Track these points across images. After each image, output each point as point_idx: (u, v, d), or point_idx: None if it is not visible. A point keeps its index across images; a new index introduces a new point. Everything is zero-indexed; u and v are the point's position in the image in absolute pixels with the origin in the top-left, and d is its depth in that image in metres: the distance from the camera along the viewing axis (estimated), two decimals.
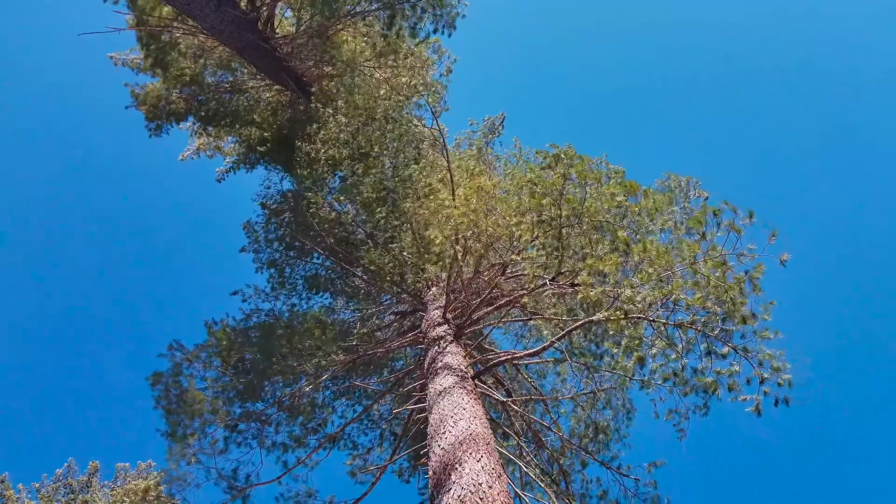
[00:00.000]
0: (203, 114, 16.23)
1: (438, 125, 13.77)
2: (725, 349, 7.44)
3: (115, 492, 20.04)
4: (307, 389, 12.29)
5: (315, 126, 13.24)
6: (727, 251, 7.24)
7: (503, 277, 10.75)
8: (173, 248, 42.76)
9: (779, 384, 7.10)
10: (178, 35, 14.89)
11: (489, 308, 11.01)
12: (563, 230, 8.44)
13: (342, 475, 12.96)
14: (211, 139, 17.19)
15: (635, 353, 7.95)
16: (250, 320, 14.33)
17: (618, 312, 7.38)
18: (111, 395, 38.00)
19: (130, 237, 43.06)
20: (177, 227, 43.66)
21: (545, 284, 8.94)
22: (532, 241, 8.98)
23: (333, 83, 14.44)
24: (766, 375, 7.13)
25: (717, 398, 7.91)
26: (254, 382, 12.49)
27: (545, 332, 12.58)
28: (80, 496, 19.13)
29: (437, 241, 9.56)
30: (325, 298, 15.51)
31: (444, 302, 11.09)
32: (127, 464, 21.33)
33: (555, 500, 9.42)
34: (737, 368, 7.42)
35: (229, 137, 16.83)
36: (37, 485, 19.43)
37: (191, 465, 11.36)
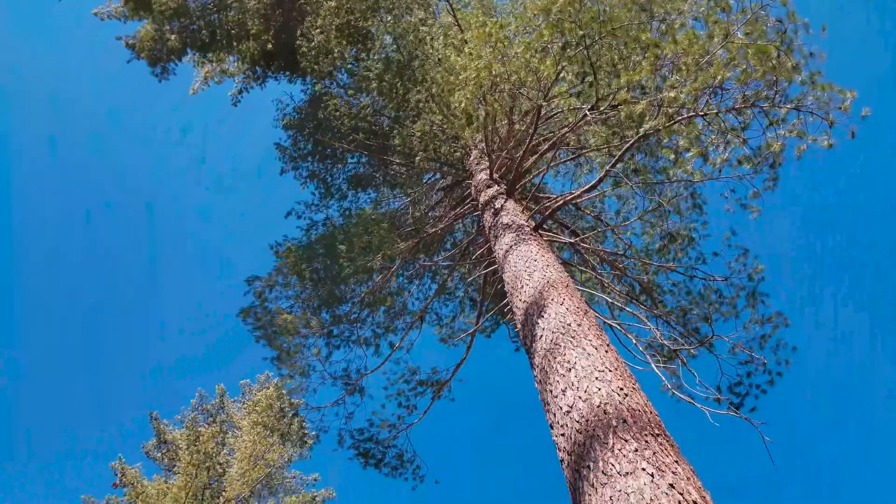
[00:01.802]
0: (199, 42, 15.81)
1: None
2: (783, 111, 7.03)
3: (245, 405, 21.99)
4: (381, 281, 12.62)
5: (310, 19, 12.64)
6: (754, 9, 6.65)
7: (540, 122, 10.35)
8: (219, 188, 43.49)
9: (842, 108, 6.69)
10: None
11: (534, 157, 10.72)
12: (590, 52, 7.90)
13: (437, 349, 13.63)
14: (214, 65, 16.80)
15: (694, 151, 7.63)
16: (310, 234, 14.64)
17: (663, 118, 7.01)
18: (216, 327, 40.41)
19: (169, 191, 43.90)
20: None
21: (585, 116, 8.55)
22: (559, 74, 8.48)
23: None
24: (832, 119, 6.73)
25: (782, 164, 7.62)
26: (333, 289, 12.93)
27: (597, 164, 12.27)
28: (218, 416, 21.00)
29: (463, 105, 9.20)
30: (371, 193, 15.58)
31: (487, 164, 10.86)
32: (248, 380, 23.23)
33: (645, 319, 9.55)
34: (798, 122, 7.04)
35: (230, 58, 16.40)
36: (179, 416, 21.45)
37: (302, 375, 12.13)
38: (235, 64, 16.43)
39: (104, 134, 43.64)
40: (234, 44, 15.00)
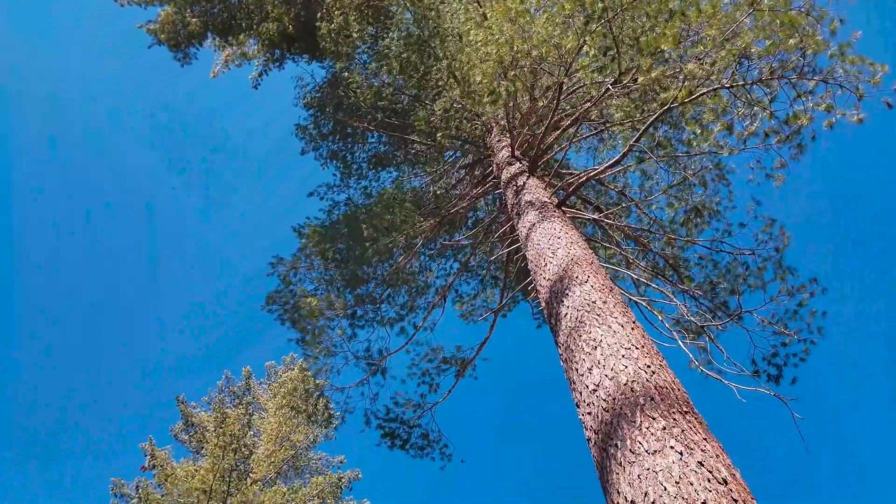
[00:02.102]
0: (219, 26, 15.84)
1: None
2: (811, 83, 6.83)
3: (272, 387, 22.33)
4: (403, 261, 12.65)
5: (328, 1, 12.57)
6: None
7: (562, 97, 10.20)
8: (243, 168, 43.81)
9: (872, 81, 6.48)
10: None
11: (556, 133, 10.60)
12: (612, 25, 7.73)
13: (460, 328, 13.67)
14: (234, 48, 16.84)
15: (719, 124, 7.47)
16: (333, 214, 14.71)
17: (685, 90, 6.86)
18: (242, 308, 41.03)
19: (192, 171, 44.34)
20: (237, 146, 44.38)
21: (608, 90, 8.41)
22: (580, 47, 8.32)
23: None
24: (862, 91, 6.53)
25: (812, 139, 7.44)
26: (356, 269, 13.00)
27: (620, 139, 12.09)
28: (244, 398, 21.33)
29: (484, 81, 9.09)
30: (392, 173, 15.57)
31: (508, 141, 10.76)
32: (273, 361, 23.58)
33: (669, 294, 9.46)
34: (827, 94, 6.84)
35: (250, 41, 16.41)
36: (206, 398, 21.86)
37: (327, 356, 12.26)
38: (255, 47, 16.44)
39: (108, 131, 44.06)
40: (255, 26, 14.99)
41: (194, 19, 15.85)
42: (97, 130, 42.39)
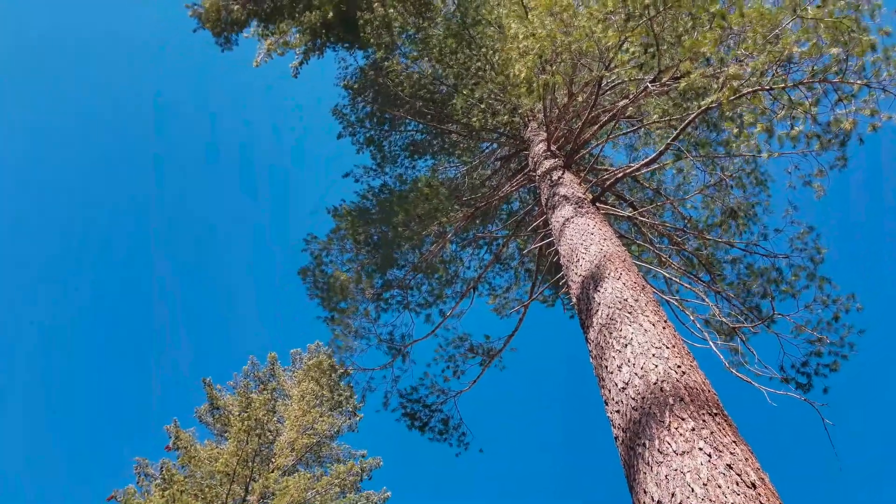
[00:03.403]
0: (262, 13, 16.04)
1: None
2: (856, 87, 6.74)
3: (296, 374, 22.69)
4: (435, 249, 12.78)
5: None
6: None
7: (601, 93, 10.19)
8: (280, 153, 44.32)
9: None
10: None
11: (593, 128, 10.59)
12: (654, 23, 7.70)
13: (489, 320, 13.77)
14: (276, 37, 17.03)
15: (759, 126, 7.41)
16: (367, 199, 14.87)
17: (728, 91, 6.82)
18: (266, 293, 41.70)
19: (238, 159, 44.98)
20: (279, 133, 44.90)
21: (647, 87, 8.39)
22: (621, 44, 8.31)
23: None
24: None
25: (860, 142, 7.34)
26: (386, 254, 13.18)
27: (657, 136, 12.02)
28: (270, 384, 21.70)
29: (523, 75, 9.12)
30: (428, 161, 15.66)
31: (545, 135, 10.77)
32: (298, 349, 23.94)
33: (702, 294, 9.45)
34: (871, 98, 6.74)
35: (293, 29, 16.60)
36: (231, 382, 22.31)
37: (355, 337, 12.50)
38: (297, 35, 16.61)
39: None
40: (297, 15, 15.14)
41: (238, 6, 16.09)
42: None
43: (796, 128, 7.46)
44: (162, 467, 18.20)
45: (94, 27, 42.61)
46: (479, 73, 11.55)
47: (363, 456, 21.61)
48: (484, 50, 11.17)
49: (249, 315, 43.12)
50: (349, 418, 21.60)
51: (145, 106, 44.23)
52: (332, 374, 20.14)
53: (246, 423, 18.07)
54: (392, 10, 12.02)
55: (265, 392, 20.01)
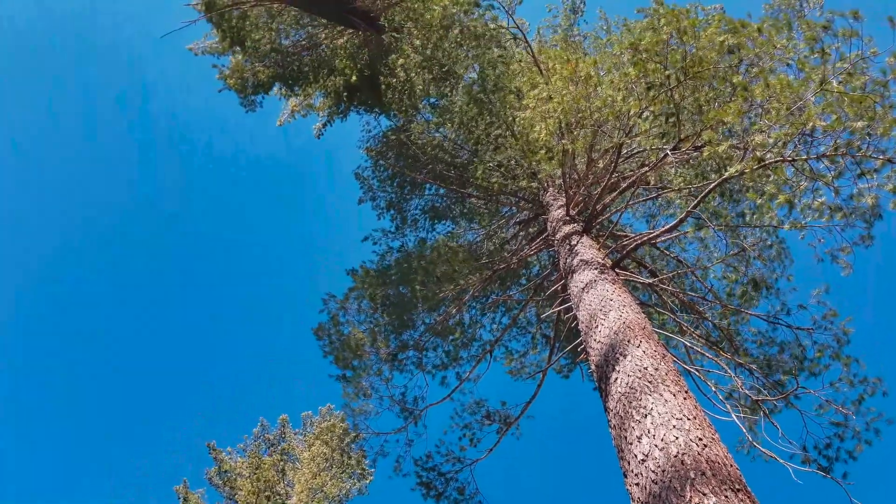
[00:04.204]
0: (288, 77, 16.59)
1: (515, 21, 13.16)
2: (878, 162, 6.72)
3: (307, 437, 22.32)
4: (452, 312, 12.73)
5: (393, 56, 13.12)
6: (853, 59, 6.43)
7: (620, 160, 10.30)
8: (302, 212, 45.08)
9: None
10: (246, 8, 15.13)
11: (613, 194, 10.65)
12: (675, 93, 7.83)
13: (506, 385, 13.54)
14: (301, 99, 17.60)
15: (781, 197, 7.39)
16: (385, 260, 14.97)
17: (751, 162, 6.83)
18: (282, 355, 41.60)
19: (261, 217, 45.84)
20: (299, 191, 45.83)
21: (667, 156, 8.46)
22: (641, 112, 8.44)
23: (400, 10, 14.14)
24: None
25: (881, 218, 7.27)
26: (403, 315, 13.15)
27: (677, 204, 12.04)
28: (279, 446, 21.37)
29: (542, 140, 9.27)
30: (447, 225, 15.83)
31: (564, 200, 10.85)
32: (310, 412, 23.62)
33: (724, 365, 9.22)
34: (893, 174, 6.70)
35: (317, 93, 17.14)
36: (241, 445, 21.98)
37: (366, 397, 12.34)
38: (321, 99, 17.16)
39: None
40: (321, 79, 15.68)
41: (263, 69, 16.67)
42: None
43: (818, 200, 7.44)
44: None
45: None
46: (499, 139, 11.77)
47: None
48: (504, 116, 11.41)
49: (262, 376, 42.85)
50: (358, 481, 21.08)
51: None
52: (345, 438, 19.82)
53: (255, 484, 17.75)
54: (414, 76, 12.39)
55: (275, 454, 19.71)
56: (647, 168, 9.53)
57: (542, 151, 9.54)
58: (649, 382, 5.12)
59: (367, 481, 21.35)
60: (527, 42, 12.36)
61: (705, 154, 7.54)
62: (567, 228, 10.06)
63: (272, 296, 46.06)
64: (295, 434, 22.80)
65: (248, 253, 46.01)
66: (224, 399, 41.55)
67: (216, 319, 44.12)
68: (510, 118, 11.23)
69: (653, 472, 4.06)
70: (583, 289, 7.86)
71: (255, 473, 18.25)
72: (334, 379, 12.67)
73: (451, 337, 13.31)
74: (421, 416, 12.42)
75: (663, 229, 9.24)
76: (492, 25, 13.36)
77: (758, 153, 6.79)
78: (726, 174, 7.26)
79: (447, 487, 12.08)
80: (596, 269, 8.15)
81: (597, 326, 6.78)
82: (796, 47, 7.33)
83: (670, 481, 3.83)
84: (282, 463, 19.81)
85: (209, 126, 45.08)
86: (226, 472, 20.56)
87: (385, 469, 12.66)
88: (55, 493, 34.85)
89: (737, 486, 3.66)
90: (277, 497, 18.86)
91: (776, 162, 7.02)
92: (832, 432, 9.17)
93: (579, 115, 8.84)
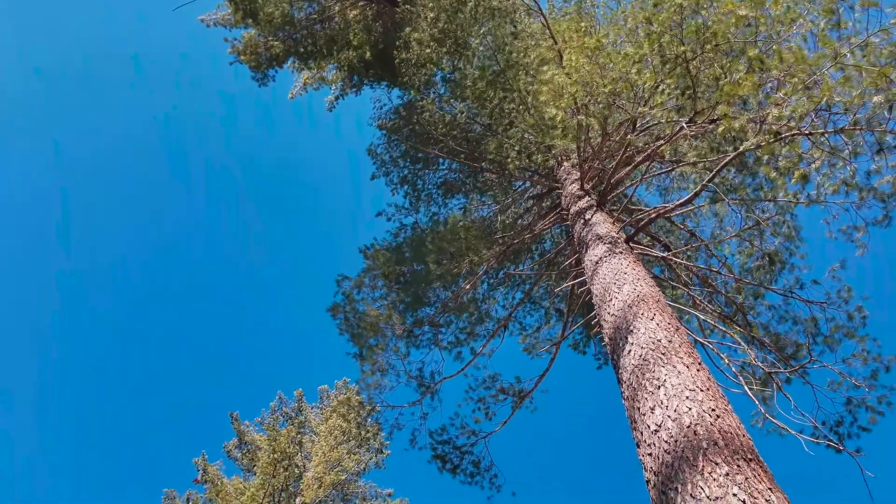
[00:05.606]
0: (301, 50, 16.52)
1: None
2: None
3: (324, 410, 22.67)
4: (467, 287, 12.79)
5: (408, 30, 13.02)
6: (871, 32, 6.30)
7: (634, 133, 10.22)
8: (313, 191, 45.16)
9: None
10: None
11: (627, 168, 10.58)
12: (690, 66, 7.74)
13: (518, 358, 13.65)
14: (313, 72, 17.55)
15: (796, 172, 7.33)
16: (399, 237, 15.02)
17: (767, 136, 6.77)
18: (298, 332, 42.01)
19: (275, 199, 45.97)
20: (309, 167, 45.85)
21: (682, 129, 8.39)
22: (657, 85, 8.35)
23: None
24: None
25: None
26: (417, 292, 13.24)
27: (692, 178, 11.96)
28: (296, 419, 21.73)
29: (558, 117, 9.21)
30: (461, 200, 15.81)
31: (578, 174, 10.81)
32: (326, 385, 23.95)
33: (738, 338, 9.23)
34: None
35: (330, 66, 17.06)
36: (259, 419, 22.38)
37: (382, 373, 12.49)
38: (334, 72, 17.08)
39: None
40: (335, 53, 15.60)
41: (277, 43, 16.59)
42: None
43: (833, 177, 7.37)
44: (189, 499, 18.24)
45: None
46: (513, 113, 11.70)
47: (390, 495, 21.36)
48: (518, 90, 11.32)
49: (280, 351, 43.33)
50: (375, 455, 21.42)
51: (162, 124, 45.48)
52: (361, 411, 20.10)
53: (273, 455, 18.07)
54: (428, 50, 12.30)
55: (292, 427, 20.05)
56: (662, 141, 9.45)
57: (558, 128, 9.49)
58: (662, 354, 5.17)
59: (385, 456, 21.72)
60: (541, 13, 12.18)
61: (720, 129, 7.48)
62: (581, 203, 10.04)
63: (285, 275, 46.43)
64: (311, 408, 23.17)
65: (266, 232, 46.32)
66: (239, 377, 42.19)
67: (232, 294, 44.64)
68: (525, 92, 11.16)
69: (665, 442, 4.12)
70: (597, 262, 7.89)
71: (272, 444, 18.57)
72: (351, 357, 12.84)
73: (465, 313, 13.40)
74: (436, 389, 12.56)
75: (678, 203, 9.20)
76: None
77: (773, 127, 6.72)
78: (742, 147, 7.20)
79: (462, 460, 12.22)
80: (610, 243, 8.16)
81: (610, 299, 6.81)
82: (815, 18, 7.20)
83: (683, 451, 3.89)
84: (299, 436, 20.14)
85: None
86: (245, 443, 20.98)
87: (401, 441, 12.87)
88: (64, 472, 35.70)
89: (749, 457, 3.71)
90: (295, 468, 19.22)
91: (793, 135, 6.95)
92: (843, 408, 9.20)
93: (594, 89, 8.76)
